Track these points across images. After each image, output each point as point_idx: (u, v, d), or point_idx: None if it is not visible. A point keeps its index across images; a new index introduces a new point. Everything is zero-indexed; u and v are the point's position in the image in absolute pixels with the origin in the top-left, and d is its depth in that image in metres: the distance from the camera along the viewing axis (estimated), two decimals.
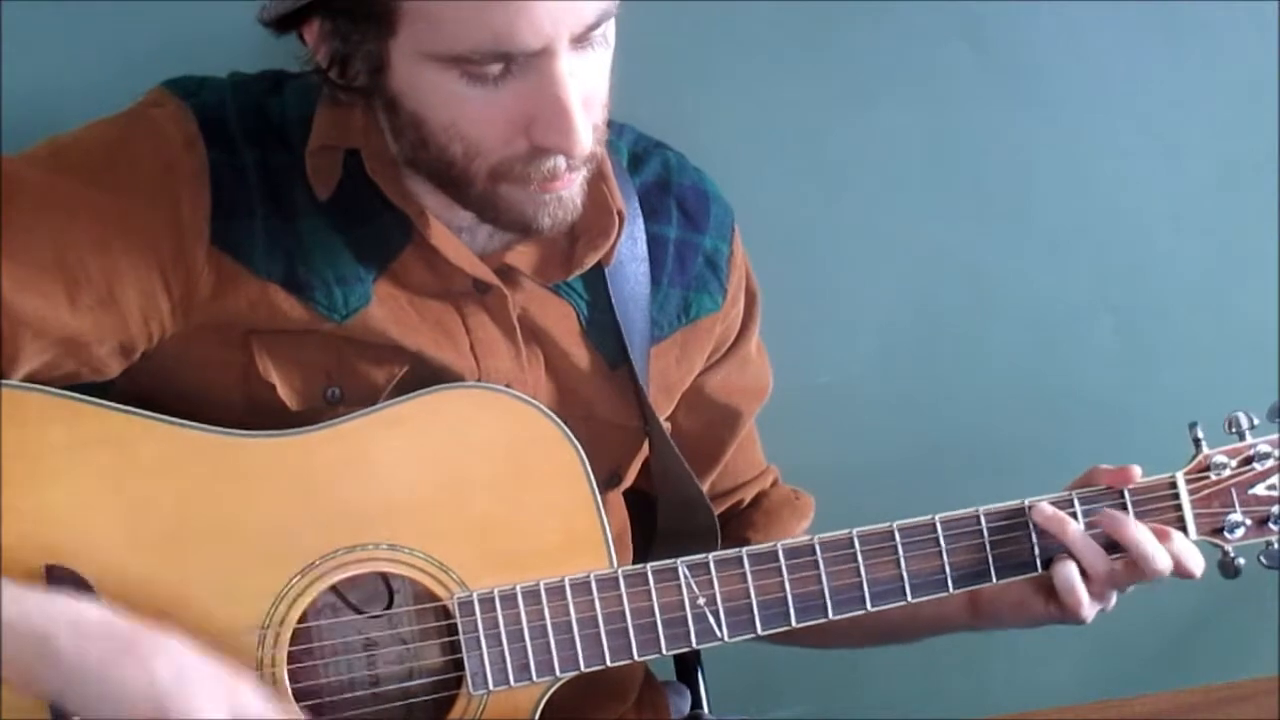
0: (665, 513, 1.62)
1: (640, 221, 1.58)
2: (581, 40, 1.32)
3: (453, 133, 1.35)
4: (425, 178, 1.42)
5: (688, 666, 1.84)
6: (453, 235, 1.46)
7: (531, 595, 1.42)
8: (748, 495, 1.73)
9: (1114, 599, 1.53)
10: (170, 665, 1.28)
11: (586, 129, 1.33)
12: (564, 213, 1.40)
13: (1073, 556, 1.50)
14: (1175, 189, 2.10)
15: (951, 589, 1.50)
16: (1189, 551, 1.51)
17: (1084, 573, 1.50)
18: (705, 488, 1.64)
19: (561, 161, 1.36)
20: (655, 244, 1.59)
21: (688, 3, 1.89)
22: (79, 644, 1.27)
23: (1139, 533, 1.49)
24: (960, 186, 2.05)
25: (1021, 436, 2.12)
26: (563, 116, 1.32)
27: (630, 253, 1.56)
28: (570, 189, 1.40)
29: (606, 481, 1.53)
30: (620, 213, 1.52)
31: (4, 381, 1.35)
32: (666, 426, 1.60)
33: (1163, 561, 1.49)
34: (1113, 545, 1.51)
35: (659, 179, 1.61)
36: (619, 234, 1.52)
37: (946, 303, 2.08)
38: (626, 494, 1.62)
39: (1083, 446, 2.08)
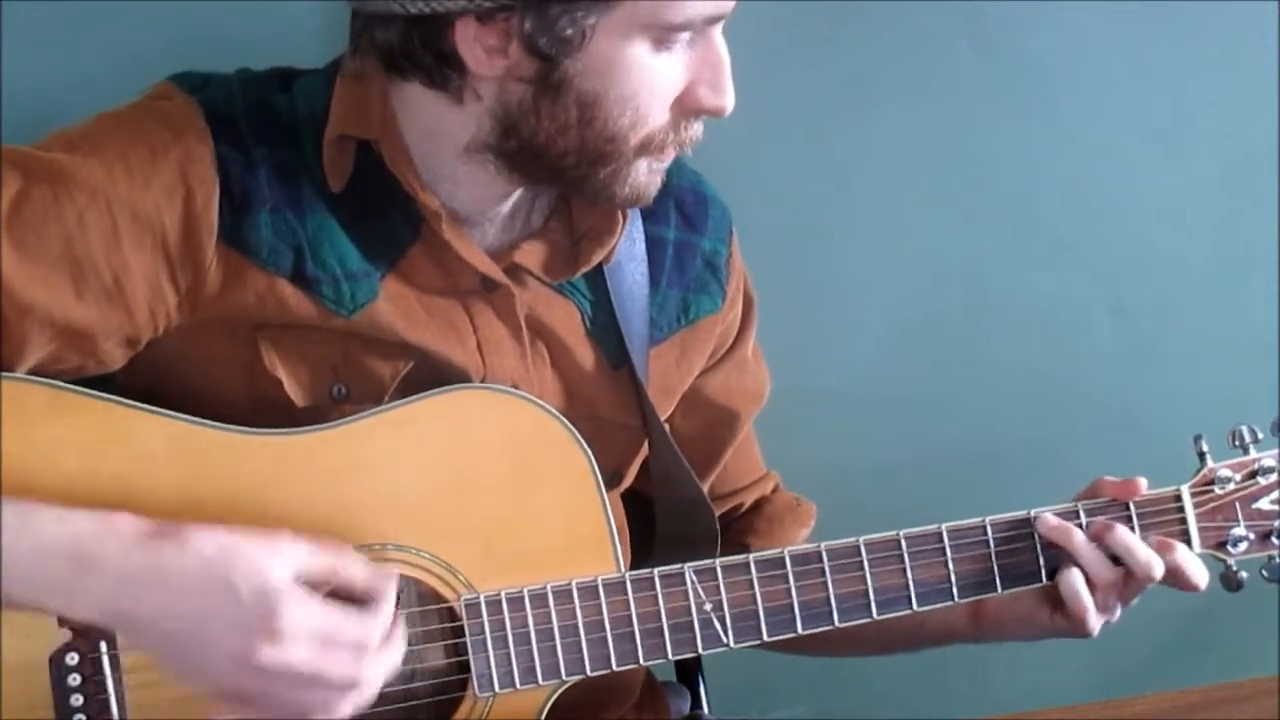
0: (664, 514, 1.62)
1: (639, 222, 1.58)
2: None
3: (628, 104, 1.39)
4: (538, 162, 1.43)
5: (688, 667, 1.85)
6: (464, 232, 1.47)
7: (538, 598, 1.42)
8: (747, 500, 1.73)
9: (1119, 611, 1.53)
10: (210, 539, 1.30)
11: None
12: (661, 181, 1.48)
13: (1078, 565, 1.51)
14: (1176, 189, 2.10)
15: (957, 598, 1.50)
16: (1193, 564, 1.52)
17: (1090, 581, 1.51)
18: (704, 490, 1.64)
19: (700, 126, 1.44)
20: (654, 245, 1.59)
21: None
22: (118, 544, 1.28)
23: (1127, 538, 1.50)
24: (962, 187, 2.06)
25: (1022, 438, 2.12)
26: (726, 77, 1.42)
27: (628, 253, 1.57)
28: (670, 160, 1.47)
29: (608, 481, 1.52)
30: (624, 211, 1.53)
31: (9, 374, 1.35)
32: (666, 428, 1.60)
33: (1155, 566, 1.50)
34: (1116, 556, 1.51)
35: None
36: (621, 232, 1.53)
37: (948, 303, 2.09)
38: (624, 495, 1.62)
39: (1084, 447, 2.09)
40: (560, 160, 1.42)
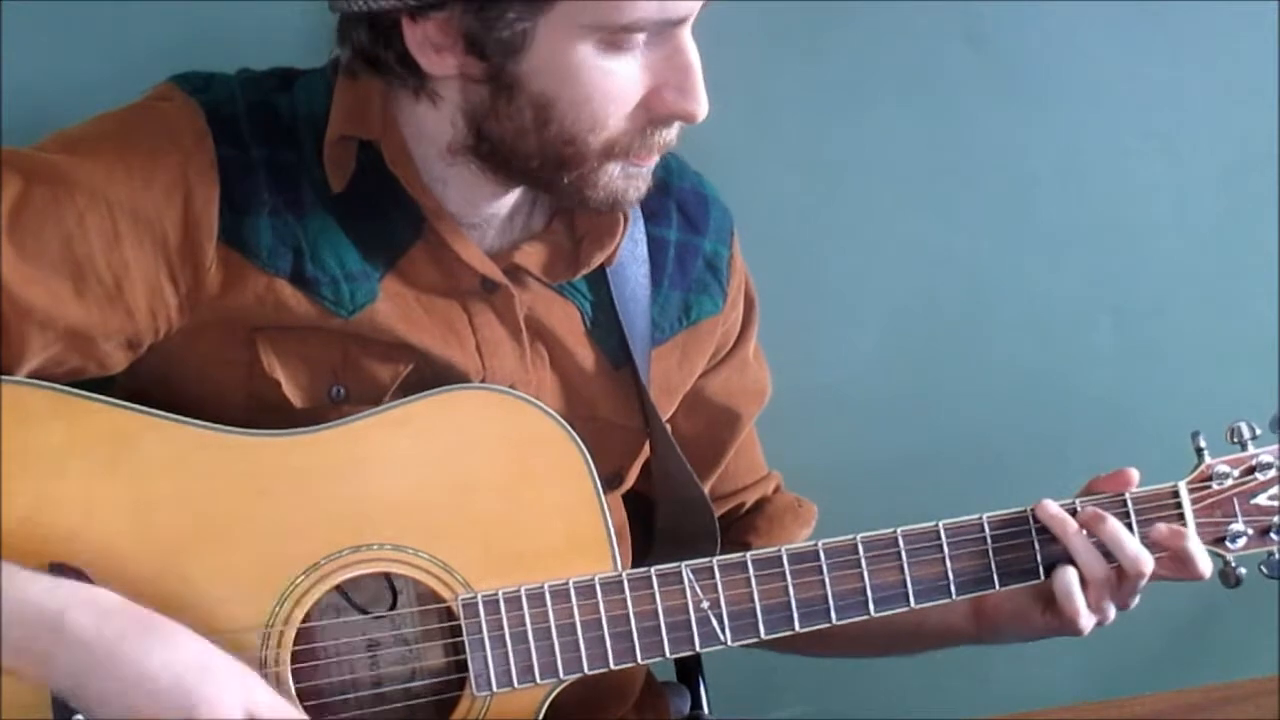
0: (665, 514, 1.63)
1: (641, 224, 1.58)
2: (703, 8, 1.38)
3: (583, 108, 1.37)
4: (506, 164, 1.42)
5: (688, 667, 1.84)
6: (464, 233, 1.47)
7: (536, 597, 1.42)
8: (748, 500, 1.73)
9: (1112, 612, 1.53)
10: (192, 651, 1.30)
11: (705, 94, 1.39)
12: (645, 186, 1.45)
13: (1071, 559, 1.51)
14: (1175, 189, 2.10)
15: (954, 595, 1.51)
16: (1200, 552, 1.52)
17: (1082, 579, 1.51)
18: (705, 490, 1.64)
19: (674, 131, 1.41)
20: (655, 246, 1.59)
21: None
22: (98, 622, 1.28)
23: (1117, 531, 1.50)
24: (960, 186, 2.06)
25: (1021, 436, 2.12)
26: (694, 81, 1.38)
27: (631, 254, 1.57)
28: (651, 165, 1.44)
29: (608, 482, 1.53)
30: (625, 212, 1.52)
31: (9, 378, 1.35)
32: (667, 429, 1.60)
33: (1144, 561, 1.50)
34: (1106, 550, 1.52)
35: (659, 181, 1.60)
36: (623, 233, 1.53)
37: (946, 303, 2.09)
38: (625, 495, 1.62)
39: (1082, 446, 2.09)
40: (526, 163, 1.41)
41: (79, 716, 1.32)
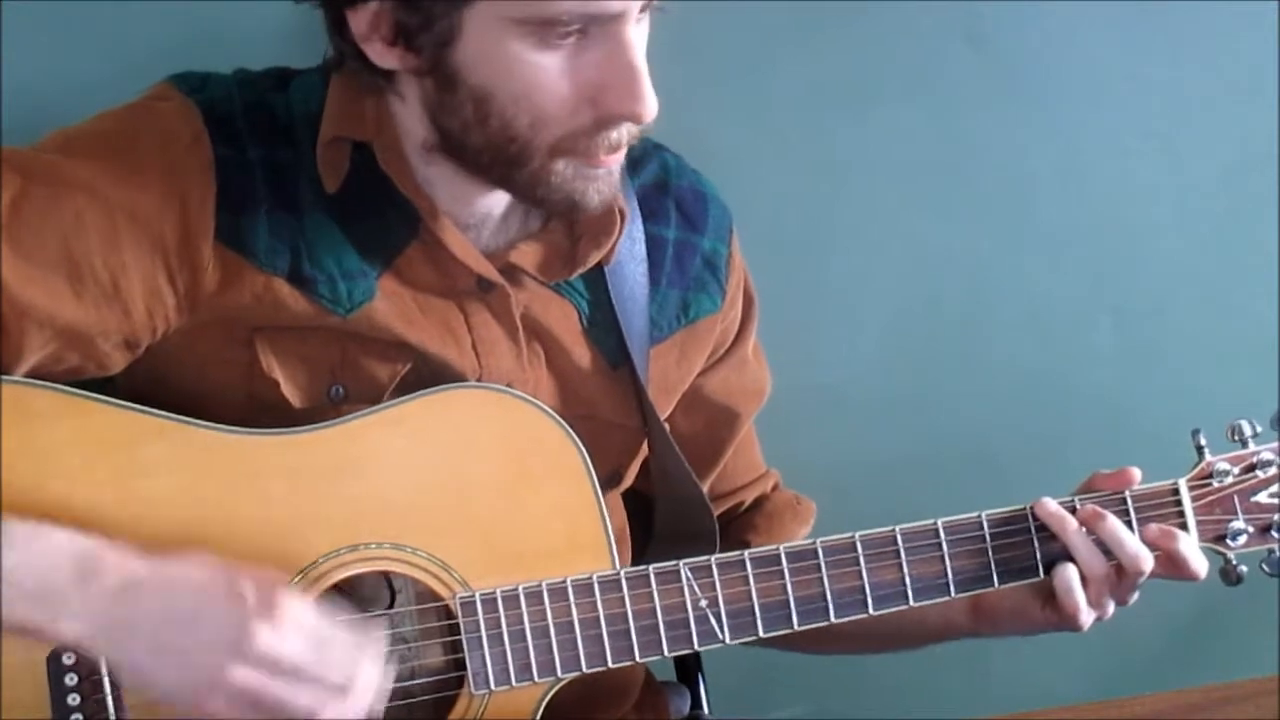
0: (664, 513, 1.63)
1: (639, 222, 1.58)
2: (645, 8, 1.36)
3: (522, 104, 1.36)
4: (465, 160, 1.42)
5: (688, 667, 1.84)
6: (459, 232, 1.47)
7: (534, 595, 1.42)
8: (747, 498, 1.73)
9: (1111, 608, 1.53)
10: (214, 559, 1.31)
11: (654, 94, 1.36)
12: (609, 189, 1.43)
13: (1071, 557, 1.51)
14: (1175, 189, 2.10)
15: (953, 593, 1.51)
16: (1195, 553, 1.52)
17: (1082, 575, 1.51)
18: (704, 489, 1.64)
19: (625, 132, 1.39)
20: (654, 245, 1.59)
21: (687, 2, 1.88)
22: (122, 555, 1.29)
23: (1116, 529, 1.50)
24: (960, 186, 2.05)
25: (1020, 436, 2.12)
26: (636, 81, 1.35)
27: (629, 253, 1.56)
28: (615, 167, 1.42)
29: (607, 482, 1.53)
30: (622, 211, 1.53)
31: (11, 378, 1.35)
32: (665, 428, 1.60)
33: (1144, 560, 1.50)
34: (1106, 548, 1.51)
35: (657, 180, 1.61)
36: (620, 232, 1.53)
37: (946, 303, 2.09)
38: (625, 495, 1.62)
39: (1082, 446, 2.09)
40: (478, 158, 1.41)
41: (77, 716, 1.33)
